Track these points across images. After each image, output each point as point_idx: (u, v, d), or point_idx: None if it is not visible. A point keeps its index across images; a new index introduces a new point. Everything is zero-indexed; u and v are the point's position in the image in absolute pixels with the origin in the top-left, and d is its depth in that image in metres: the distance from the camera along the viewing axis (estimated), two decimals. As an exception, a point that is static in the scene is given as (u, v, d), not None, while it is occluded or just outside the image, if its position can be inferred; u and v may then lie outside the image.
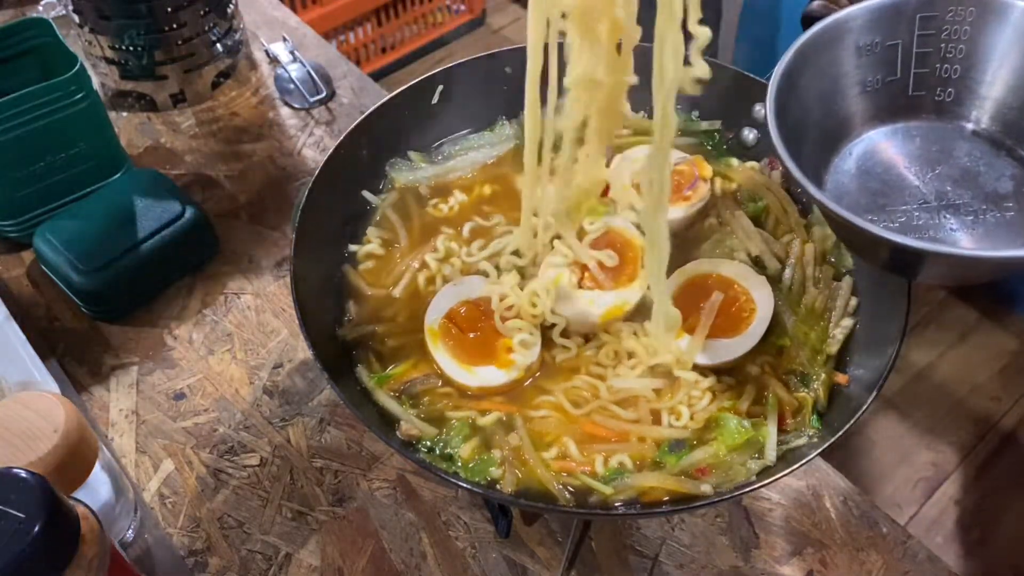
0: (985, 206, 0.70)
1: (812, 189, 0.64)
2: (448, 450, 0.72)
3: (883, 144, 0.75)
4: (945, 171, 0.72)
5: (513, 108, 0.95)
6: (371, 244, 0.87)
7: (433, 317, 0.79)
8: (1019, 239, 0.68)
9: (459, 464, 0.71)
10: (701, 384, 0.75)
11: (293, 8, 2.32)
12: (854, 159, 0.75)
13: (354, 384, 0.76)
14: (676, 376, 0.75)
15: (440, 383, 0.77)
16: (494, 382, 0.75)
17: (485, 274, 0.82)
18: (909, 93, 0.75)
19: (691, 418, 0.73)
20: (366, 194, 0.90)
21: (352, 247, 0.87)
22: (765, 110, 0.68)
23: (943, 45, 0.72)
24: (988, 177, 0.71)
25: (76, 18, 1.17)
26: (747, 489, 0.67)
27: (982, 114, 0.73)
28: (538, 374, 0.77)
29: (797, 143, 0.69)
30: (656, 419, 0.74)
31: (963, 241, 0.68)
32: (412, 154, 0.93)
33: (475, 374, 0.76)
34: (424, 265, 0.85)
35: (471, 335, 0.78)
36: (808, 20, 1.16)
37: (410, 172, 0.92)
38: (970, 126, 0.74)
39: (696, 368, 0.75)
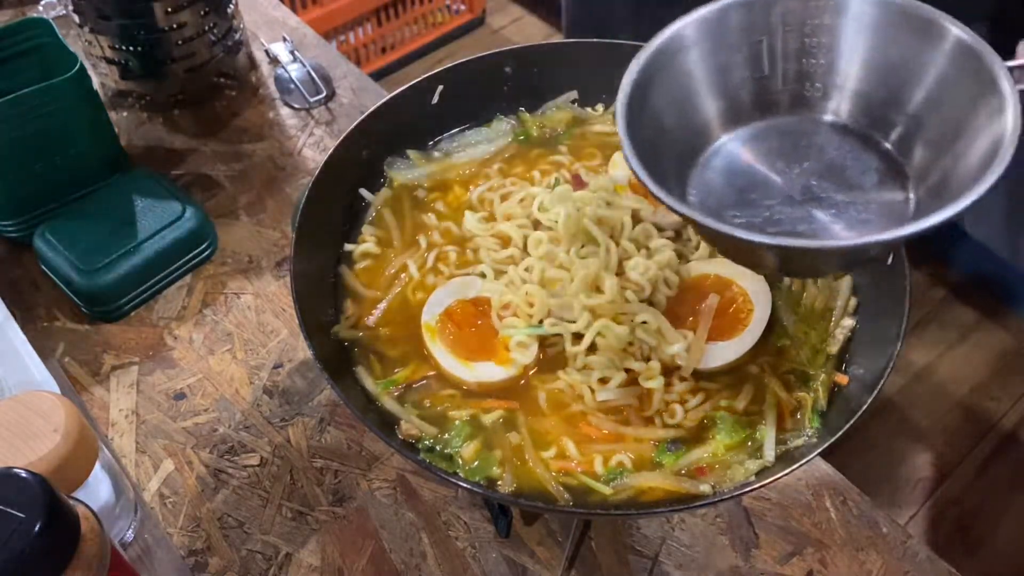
0: (848, 199, 0.68)
1: (654, 186, 0.61)
2: (448, 450, 0.72)
3: (752, 141, 0.73)
4: (812, 166, 0.70)
5: (513, 108, 0.95)
6: (367, 243, 0.87)
7: (430, 314, 0.79)
8: (876, 232, 0.65)
9: (460, 464, 0.71)
10: (675, 389, 0.74)
11: (293, 8, 2.32)
12: (722, 157, 0.73)
13: (354, 384, 0.76)
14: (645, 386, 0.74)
15: (442, 386, 0.77)
16: (492, 378, 0.75)
17: (482, 274, 0.82)
18: (779, 89, 0.72)
19: (685, 415, 0.73)
20: (363, 192, 0.90)
21: (348, 246, 0.87)
22: (615, 115, 0.65)
23: (806, 40, 0.70)
24: (854, 171, 0.69)
25: (76, 18, 1.17)
26: (747, 489, 0.67)
27: (849, 108, 0.71)
28: (535, 370, 0.77)
29: (658, 142, 0.67)
30: (648, 419, 0.74)
31: (822, 235, 0.67)
32: (411, 152, 0.93)
33: (473, 370, 0.76)
34: (422, 264, 0.85)
35: (469, 330, 0.78)
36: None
37: (408, 170, 0.92)
38: (836, 119, 0.72)
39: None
